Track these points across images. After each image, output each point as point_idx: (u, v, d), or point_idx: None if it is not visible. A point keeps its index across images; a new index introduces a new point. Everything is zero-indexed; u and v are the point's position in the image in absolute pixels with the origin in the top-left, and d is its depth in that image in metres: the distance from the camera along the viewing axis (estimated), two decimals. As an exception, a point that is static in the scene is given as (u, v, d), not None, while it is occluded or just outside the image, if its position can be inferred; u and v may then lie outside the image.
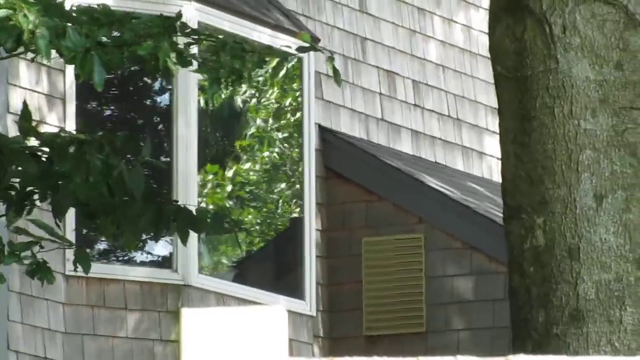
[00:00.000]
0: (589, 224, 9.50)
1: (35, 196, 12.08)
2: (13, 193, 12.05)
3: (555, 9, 10.03)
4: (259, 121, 19.16)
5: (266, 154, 19.59)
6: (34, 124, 13.13)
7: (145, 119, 18.29)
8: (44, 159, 12.02)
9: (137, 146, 13.97)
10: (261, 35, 17.26)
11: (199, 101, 16.87)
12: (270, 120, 19.32)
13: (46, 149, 11.80)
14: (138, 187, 12.21)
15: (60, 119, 15.91)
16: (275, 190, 19.17)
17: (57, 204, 11.93)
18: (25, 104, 13.93)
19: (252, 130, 18.87)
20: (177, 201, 13.98)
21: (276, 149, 19.49)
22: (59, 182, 11.68)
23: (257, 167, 18.95)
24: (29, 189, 11.79)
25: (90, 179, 11.53)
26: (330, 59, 14.32)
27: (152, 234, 13.34)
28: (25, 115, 12.96)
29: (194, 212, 13.25)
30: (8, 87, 15.00)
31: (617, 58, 9.83)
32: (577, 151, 9.84)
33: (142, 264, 17.00)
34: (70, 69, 15.10)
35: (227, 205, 17.79)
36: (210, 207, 17.15)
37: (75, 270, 13.22)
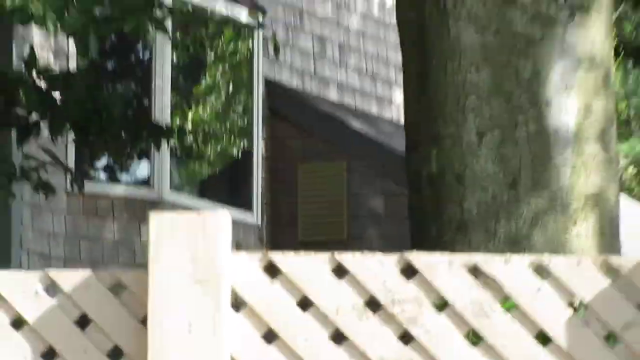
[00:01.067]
0: (472, 156, 9.90)
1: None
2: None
3: None
4: (219, 75, 19.57)
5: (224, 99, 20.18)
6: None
7: (130, 71, 18.65)
8: (43, 89, 12.24)
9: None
10: (221, 6, 17.66)
11: (171, 59, 17.05)
12: (227, 75, 19.76)
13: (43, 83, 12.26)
14: (115, 107, 12.49)
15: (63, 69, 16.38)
16: (232, 128, 19.70)
17: (54, 125, 12.05)
18: (31, 48, 14.27)
19: (210, 80, 19.39)
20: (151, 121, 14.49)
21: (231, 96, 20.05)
22: (55, 106, 11.98)
23: (219, 110, 19.48)
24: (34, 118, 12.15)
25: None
26: (273, 36, 15.31)
27: (133, 146, 13.43)
28: (30, 56, 13.25)
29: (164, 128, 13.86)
30: (24, 43, 15.32)
31: (496, 26, 9.98)
32: (464, 98, 10.12)
33: (126, 183, 17.32)
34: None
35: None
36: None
37: (72, 189, 13.59)
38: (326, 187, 20.83)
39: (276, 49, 15.46)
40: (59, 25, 11.28)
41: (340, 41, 21.56)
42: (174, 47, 16.25)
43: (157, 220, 4.13)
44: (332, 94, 21.56)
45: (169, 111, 17.02)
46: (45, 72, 12.31)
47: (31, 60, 12.44)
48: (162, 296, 4.09)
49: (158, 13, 12.38)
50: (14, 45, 16.73)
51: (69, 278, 4.08)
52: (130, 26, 11.72)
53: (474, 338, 3.92)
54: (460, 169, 9.98)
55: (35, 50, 14.18)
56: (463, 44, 10.19)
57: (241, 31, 18.96)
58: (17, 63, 15.50)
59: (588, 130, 9.43)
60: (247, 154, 19.48)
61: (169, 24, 13.50)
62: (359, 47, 21.27)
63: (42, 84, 12.09)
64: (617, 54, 18.02)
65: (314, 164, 20.96)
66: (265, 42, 18.97)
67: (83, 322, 4.11)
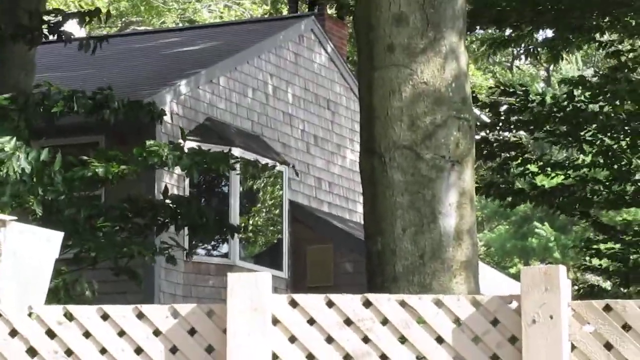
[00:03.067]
0: (399, 240, 8.48)
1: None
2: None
3: None
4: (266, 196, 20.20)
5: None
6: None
7: (216, 193, 17.87)
8: (171, 207, 12.68)
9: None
10: (263, 159, 17.30)
11: (239, 187, 16.50)
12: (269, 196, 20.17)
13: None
14: (210, 215, 12.89)
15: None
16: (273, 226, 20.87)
17: (177, 225, 11.35)
18: (165, 186, 14.32)
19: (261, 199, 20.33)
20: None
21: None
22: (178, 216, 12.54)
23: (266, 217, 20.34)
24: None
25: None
26: (294, 171, 16.42)
27: (220, 236, 14.97)
28: (164, 190, 13.48)
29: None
30: (160, 181, 15.94)
31: (412, 172, 8.39)
32: (395, 210, 9.12)
33: (216, 256, 15.96)
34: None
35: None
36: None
37: (186, 259, 14.36)
38: (321, 259, 19.43)
39: (296, 174, 15.89)
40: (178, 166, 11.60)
41: (331, 180, 20.40)
42: (241, 180, 16.00)
43: (231, 277, 4.53)
44: (325, 208, 20.43)
45: (238, 217, 16.39)
46: (172, 197, 12.88)
47: (165, 192, 12.84)
48: (234, 317, 4.41)
49: (231, 161, 12.89)
50: (155, 182, 15.50)
51: (184, 308, 4.47)
52: (218, 168, 11.98)
53: (402, 340, 4.27)
54: (393, 247, 9.07)
55: (165, 183, 14.83)
56: (395, 181, 9.16)
57: (274, 173, 17.98)
58: (157, 194, 15.12)
59: (461, 229, 8.93)
60: (280, 240, 18.96)
61: (237, 166, 13.41)
62: (340, 182, 19.71)
63: (170, 203, 12.26)
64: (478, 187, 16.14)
65: (315, 246, 19.64)
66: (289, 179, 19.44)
67: (191, 332, 4.52)
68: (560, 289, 4.34)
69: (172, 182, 14.99)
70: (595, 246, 18.91)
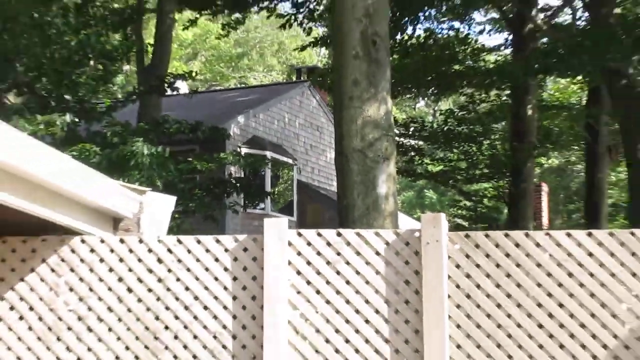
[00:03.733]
0: (356, 203, 10.58)
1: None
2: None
3: None
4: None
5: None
6: None
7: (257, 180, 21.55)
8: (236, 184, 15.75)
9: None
10: (284, 159, 22.48)
11: (270, 174, 21.44)
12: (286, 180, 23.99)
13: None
14: (255, 187, 18.37)
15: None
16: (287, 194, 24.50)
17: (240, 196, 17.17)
18: (230, 173, 17.16)
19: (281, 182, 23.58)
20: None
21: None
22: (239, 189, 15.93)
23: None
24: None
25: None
26: (299, 169, 22.49)
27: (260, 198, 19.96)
28: (230, 175, 16.96)
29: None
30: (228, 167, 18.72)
31: (361, 167, 10.72)
32: (353, 189, 10.59)
33: (258, 209, 21.01)
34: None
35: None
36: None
37: (243, 210, 19.15)
38: (315, 211, 22.54)
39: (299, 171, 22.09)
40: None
41: (319, 169, 24.74)
42: (270, 169, 20.31)
43: (266, 220, 5.50)
44: (316, 184, 24.39)
45: (269, 188, 20.73)
46: (234, 178, 15.94)
47: (230, 175, 16.62)
48: (268, 242, 5.37)
49: (266, 160, 17.65)
50: (225, 169, 18.16)
51: (241, 237, 5.40)
52: (259, 164, 16.60)
53: (357, 253, 5.30)
54: (352, 204, 10.47)
55: (231, 170, 17.93)
56: (353, 169, 10.46)
57: (288, 166, 22.75)
58: (226, 176, 17.56)
59: (388, 194, 10.40)
60: (292, 201, 22.66)
61: (269, 163, 18.49)
62: (324, 170, 24.52)
63: (234, 181, 15.34)
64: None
65: (311, 205, 22.91)
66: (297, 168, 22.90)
67: (244, 249, 5.41)
68: (442, 226, 5.22)
69: (235, 169, 17.92)
70: (459, 204, 27.98)
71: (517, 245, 5.17)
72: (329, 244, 5.25)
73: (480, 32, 37.17)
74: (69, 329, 5.43)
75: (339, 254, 5.20)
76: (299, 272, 5.27)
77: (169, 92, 16.13)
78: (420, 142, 23.85)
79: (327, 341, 5.28)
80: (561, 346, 5.14)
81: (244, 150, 19.75)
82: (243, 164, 16.40)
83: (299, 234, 5.30)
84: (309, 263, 5.25)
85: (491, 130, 23.16)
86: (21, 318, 5.45)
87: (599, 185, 20.42)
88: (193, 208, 13.42)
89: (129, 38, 17.14)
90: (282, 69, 39.20)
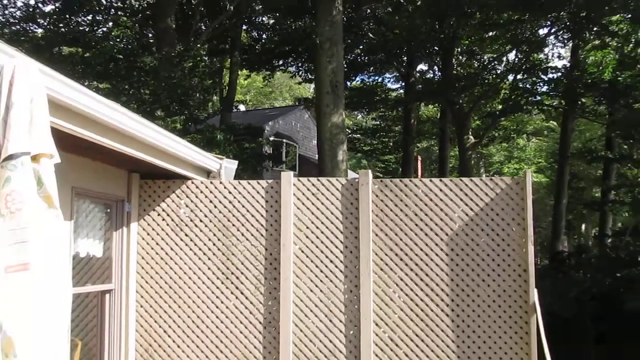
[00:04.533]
0: (331, 162, 12.35)
1: None
2: None
3: None
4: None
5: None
6: None
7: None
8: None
9: None
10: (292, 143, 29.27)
11: (285, 152, 25.80)
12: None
13: None
14: (273, 157, 25.12)
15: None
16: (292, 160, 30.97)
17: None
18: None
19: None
20: None
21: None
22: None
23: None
24: None
25: None
26: (294, 148, 28.61)
27: None
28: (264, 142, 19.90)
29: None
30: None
31: (332, 143, 12.54)
32: (329, 147, 12.37)
33: (277, 170, 26.13)
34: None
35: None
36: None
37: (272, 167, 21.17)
38: (309, 169, 26.71)
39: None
40: None
41: (314, 148, 27.17)
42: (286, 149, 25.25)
43: (283, 174, 6.53)
44: (310, 156, 29.13)
45: (285, 158, 27.79)
46: (267, 154, 20.17)
47: (265, 152, 20.64)
48: (283, 185, 6.47)
49: (283, 145, 22.53)
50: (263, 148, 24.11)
51: (271, 181, 6.46)
52: (280, 147, 20.60)
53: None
54: (328, 166, 12.33)
55: (265, 149, 22.26)
56: (327, 149, 12.56)
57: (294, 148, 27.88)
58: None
59: (343, 160, 12.06)
60: (295, 164, 28.82)
61: (284, 147, 24.09)
62: (315, 150, 26.74)
63: (266, 153, 19.95)
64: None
65: (305, 166, 27.59)
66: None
67: (268, 190, 6.44)
68: (369, 176, 6.55)
69: (267, 148, 23.78)
70: (378, 165, 38.80)
71: (406, 185, 6.66)
72: (313, 185, 6.79)
73: (389, 80, 48.41)
74: (186, 225, 6.81)
75: (318, 190, 6.77)
76: (298, 198, 6.72)
77: (234, 110, 23.73)
78: (358, 135, 33.74)
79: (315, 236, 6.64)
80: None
81: (272, 139, 28.02)
82: (271, 145, 24.06)
83: (299, 180, 6.81)
84: (303, 194, 6.78)
85: (394, 130, 33.37)
86: (163, 219, 6.85)
87: (444, 156, 28.87)
88: (246, 167, 17.30)
89: (216, 82, 22.59)
90: (291, 98, 52.54)
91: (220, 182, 6.82)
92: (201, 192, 6.81)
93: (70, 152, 5.09)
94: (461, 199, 6.48)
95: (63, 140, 4.06)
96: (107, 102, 4.29)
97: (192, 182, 6.81)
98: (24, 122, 2.90)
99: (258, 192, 6.79)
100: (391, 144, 33.74)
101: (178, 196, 6.84)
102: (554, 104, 26.91)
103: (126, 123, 4.64)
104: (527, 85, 24.87)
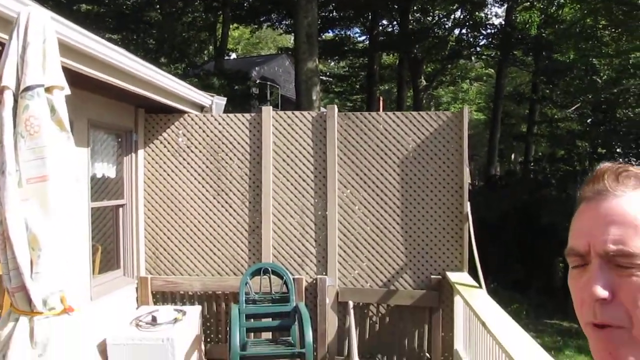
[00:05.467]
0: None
1: None
2: None
3: None
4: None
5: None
6: None
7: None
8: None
9: None
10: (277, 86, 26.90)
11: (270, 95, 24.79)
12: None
13: None
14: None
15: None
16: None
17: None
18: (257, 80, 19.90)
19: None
20: None
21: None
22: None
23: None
24: None
25: None
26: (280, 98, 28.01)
27: None
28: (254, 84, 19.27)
29: None
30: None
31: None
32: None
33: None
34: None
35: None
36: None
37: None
38: (287, 107, 25.39)
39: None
40: None
41: (290, 88, 27.63)
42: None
43: (263, 107, 6.26)
44: (288, 95, 28.29)
45: (280, 99, 26.59)
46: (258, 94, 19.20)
47: (252, 92, 19.92)
48: (264, 116, 6.33)
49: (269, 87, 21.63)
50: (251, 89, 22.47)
51: (261, 111, 6.49)
52: (264, 88, 20.67)
53: None
54: (301, 101, 11.96)
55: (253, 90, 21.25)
56: (302, 88, 12.19)
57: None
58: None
59: (317, 98, 11.98)
60: (277, 104, 27.67)
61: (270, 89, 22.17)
62: None
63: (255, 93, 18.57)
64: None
65: (287, 105, 25.91)
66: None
67: (250, 122, 6.12)
68: (335, 110, 6.27)
69: (254, 89, 22.63)
70: (347, 104, 34.78)
71: (365, 117, 6.47)
72: (289, 117, 6.58)
73: (356, 33, 46.78)
74: (183, 151, 6.62)
75: (292, 121, 6.56)
76: (275, 128, 6.50)
77: (227, 57, 22.69)
78: (331, 79, 32.87)
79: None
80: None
81: (258, 82, 26.79)
82: (258, 87, 22.47)
83: (277, 113, 6.60)
84: (280, 125, 6.55)
85: (360, 75, 30.43)
86: (165, 146, 6.64)
87: (401, 97, 26.96)
88: (236, 105, 16.89)
89: (211, 34, 23.49)
90: (274, 47, 49.67)
91: (212, 115, 6.69)
92: (196, 123, 6.68)
93: (85, 89, 4.98)
94: (410, 129, 6.33)
95: (76, 78, 3.96)
96: (107, 44, 4.13)
97: (189, 115, 6.66)
98: (38, 59, 2.84)
99: (243, 124, 6.63)
100: (358, 86, 32.91)
101: (177, 127, 6.69)
102: (492, 55, 27.19)
103: (125, 62, 4.49)
104: (470, 39, 25.02)
